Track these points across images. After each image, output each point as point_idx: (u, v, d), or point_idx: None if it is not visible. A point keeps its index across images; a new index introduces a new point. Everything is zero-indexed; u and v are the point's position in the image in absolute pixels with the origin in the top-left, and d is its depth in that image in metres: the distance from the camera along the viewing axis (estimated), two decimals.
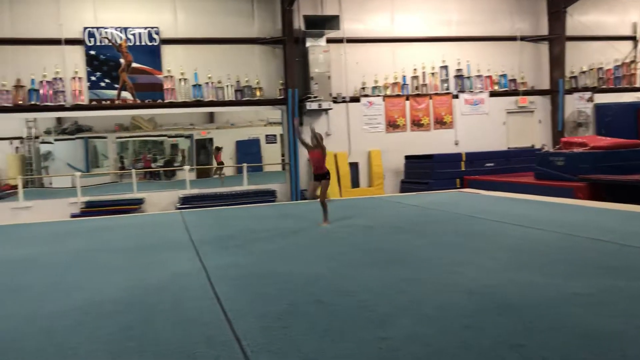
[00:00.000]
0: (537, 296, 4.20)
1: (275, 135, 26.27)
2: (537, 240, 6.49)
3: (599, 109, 18.36)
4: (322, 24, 15.31)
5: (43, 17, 14.23)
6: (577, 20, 17.79)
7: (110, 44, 14.56)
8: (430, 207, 10.07)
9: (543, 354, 3.10)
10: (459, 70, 17.24)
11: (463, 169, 15.79)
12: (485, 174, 15.55)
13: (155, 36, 14.85)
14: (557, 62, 17.76)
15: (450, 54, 17.12)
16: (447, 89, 17.22)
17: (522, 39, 17.66)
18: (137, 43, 14.73)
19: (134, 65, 14.72)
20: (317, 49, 15.41)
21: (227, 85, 15.37)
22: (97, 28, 14.52)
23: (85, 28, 14.42)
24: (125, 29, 14.69)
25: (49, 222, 11.21)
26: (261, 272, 5.47)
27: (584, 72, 18.47)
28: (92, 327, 4.02)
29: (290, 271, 5.44)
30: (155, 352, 3.45)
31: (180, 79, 15.05)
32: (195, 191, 15.53)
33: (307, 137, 9.05)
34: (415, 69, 16.88)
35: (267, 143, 26.85)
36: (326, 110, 15.79)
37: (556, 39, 17.63)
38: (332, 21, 15.32)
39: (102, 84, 14.58)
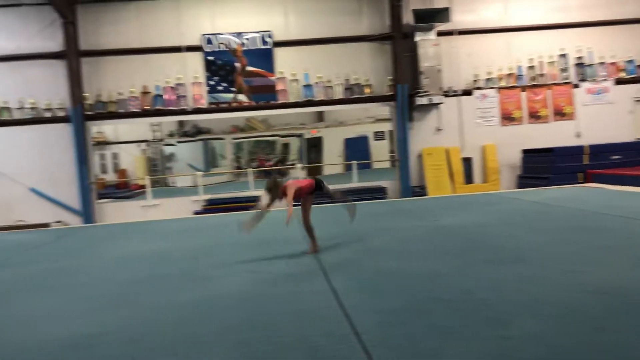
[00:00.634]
0: None
1: (383, 132, 26.22)
2: None
3: None
4: (431, 17, 15.04)
5: (166, 27, 15.24)
6: None
7: (226, 49, 15.30)
8: (551, 203, 9.56)
9: None
10: (579, 58, 16.16)
11: (586, 162, 14.83)
12: (611, 167, 14.47)
13: (267, 39, 15.39)
14: None
15: (569, 41, 16.08)
16: (567, 78, 16.21)
17: None
18: (251, 47, 15.35)
19: (249, 68, 15.35)
20: (427, 42, 15.17)
21: (337, 84, 15.58)
22: (214, 34, 15.31)
23: (204, 35, 15.26)
24: (240, 34, 15.35)
25: (175, 219, 12.02)
26: (376, 268, 5.51)
27: None
28: (220, 317, 4.27)
29: (405, 268, 5.42)
30: (278, 343, 3.60)
31: (291, 80, 15.48)
32: None
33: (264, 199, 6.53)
34: (531, 59, 16.07)
35: (375, 140, 26.86)
36: (437, 104, 15.50)
37: None
38: (442, 14, 14.99)
39: (220, 88, 15.36)
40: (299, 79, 15.50)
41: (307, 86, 15.48)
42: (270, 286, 5.11)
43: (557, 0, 16.14)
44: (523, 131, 16.03)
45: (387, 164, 21.69)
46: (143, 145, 26.71)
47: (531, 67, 16.10)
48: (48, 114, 14.70)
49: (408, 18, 15.25)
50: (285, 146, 27.71)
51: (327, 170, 24.48)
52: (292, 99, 15.53)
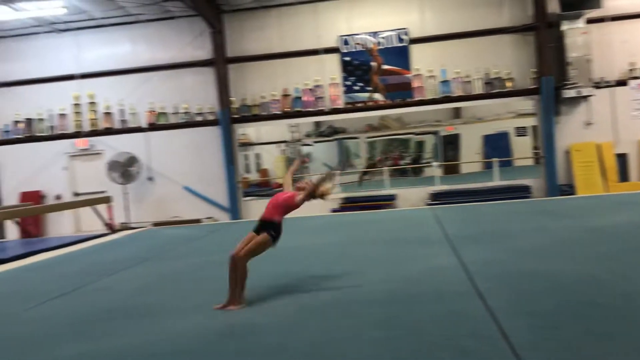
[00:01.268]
0: None
1: (525, 128, 24.87)
2: None
3: None
4: (580, 3, 13.99)
5: (304, 31, 15.76)
6: None
7: (362, 49, 15.48)
8: None
9: None
10: None
11: None
12: None
13: (404, 37, 15.32)
14: None
15: None
16: None
17: None
18: (387, 45, 15.38)
19: (384, 67, 15.40)
20: (575, 31, 14.15)
21: (476, 79, 15.09)
22: (351, 35, 15.56)
23: (340, 36, 15.57)
24: (376, 33, 15.44)
25: (313, 217, 12.40)
26: (522, 269, 5.28)
27: None
28: (361, 313, 4.35)
29: (554, 269, 5.14)
30: (423, 342, 3.59)
31: (428, 76, 15.27)
32: (445, 187, 15.58)
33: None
34: None
35: (516, 136, 25.58)
36: (586, 97, 14.40)
37: None
38: (592, 0, 13.91)
39: (356, 88, 15.58)
40: (435, 75, 15.24)
41: (445, 82, 15.18)
42: (410, 285, 5.10)
43: None
44: None
45: (530, 162, 20.56)
46: (282, 145, 27.85)
47: None
48: (199, 118, 15.89)
49: (553, 7, 14.34)
50: (420, 144, 27.35)
51: (465, 169, 23.77)
52: (428, 96, 15.32)
